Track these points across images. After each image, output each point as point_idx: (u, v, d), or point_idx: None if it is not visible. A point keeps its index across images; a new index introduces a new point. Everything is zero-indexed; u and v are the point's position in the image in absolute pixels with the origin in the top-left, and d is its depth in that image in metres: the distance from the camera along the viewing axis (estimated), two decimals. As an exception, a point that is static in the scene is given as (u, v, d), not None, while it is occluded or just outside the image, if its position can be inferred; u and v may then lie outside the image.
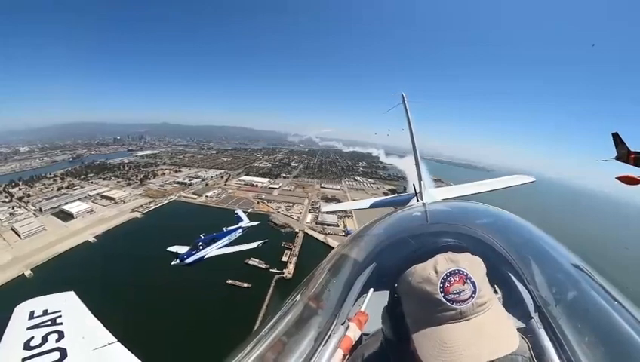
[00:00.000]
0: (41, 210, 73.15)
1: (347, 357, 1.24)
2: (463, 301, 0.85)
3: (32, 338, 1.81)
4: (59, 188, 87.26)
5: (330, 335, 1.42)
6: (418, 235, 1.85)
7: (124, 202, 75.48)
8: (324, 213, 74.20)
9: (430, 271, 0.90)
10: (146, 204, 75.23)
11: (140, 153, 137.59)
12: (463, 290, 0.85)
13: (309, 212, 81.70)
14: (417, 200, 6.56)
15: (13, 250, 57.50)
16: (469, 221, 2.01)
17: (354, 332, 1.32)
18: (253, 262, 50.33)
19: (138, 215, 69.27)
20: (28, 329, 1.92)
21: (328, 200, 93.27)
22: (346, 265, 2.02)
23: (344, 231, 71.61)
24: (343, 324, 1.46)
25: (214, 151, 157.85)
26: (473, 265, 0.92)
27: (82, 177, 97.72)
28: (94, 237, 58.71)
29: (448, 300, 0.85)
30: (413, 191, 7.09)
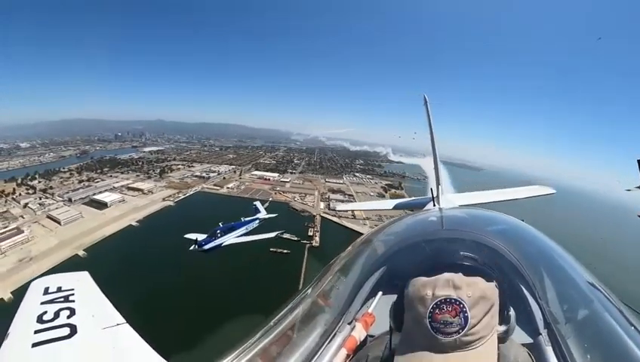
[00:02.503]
0: (70, 200, 77.03)
1: (351, 356, 1.25)
2: (448, 333, 0.83)
3: (45, 312, 1.88)
4: (80, 181, 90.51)
5: (335, 334, 1.45)
6: (431, 241, 1.82)
7: (152, 193, 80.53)
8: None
9: (427, 292, 0.89)
10: (174, 194, 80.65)
11: (147, 149, 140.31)
12: (451, 324, 0.83)
13: (321, 201, 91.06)
14: (434, 205, 6.64)
15: (57, 235, 62.04)
16: (485, 230, 1.97)
17: (359, 333, 1.34)
18: (287, 236, 59.67)
19: (171, 203, 74.87)
20: (42, 303, 1.98)
21: (334, 192, 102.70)
22: (357, 265, 2.02)
23: (352, 215, 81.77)
24: (349, 324, 1.49)
25: (217, 148, 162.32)
26: (477, 296, 0.87)
27: (98, 171, 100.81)
28: (136, 221, 64.26)
29: (433, 328, 0.84)
30: (431, 195, 7.06)
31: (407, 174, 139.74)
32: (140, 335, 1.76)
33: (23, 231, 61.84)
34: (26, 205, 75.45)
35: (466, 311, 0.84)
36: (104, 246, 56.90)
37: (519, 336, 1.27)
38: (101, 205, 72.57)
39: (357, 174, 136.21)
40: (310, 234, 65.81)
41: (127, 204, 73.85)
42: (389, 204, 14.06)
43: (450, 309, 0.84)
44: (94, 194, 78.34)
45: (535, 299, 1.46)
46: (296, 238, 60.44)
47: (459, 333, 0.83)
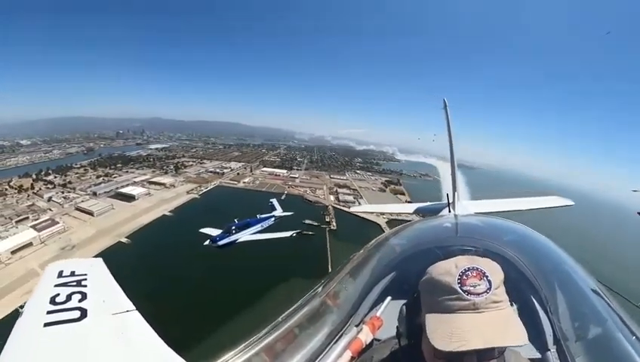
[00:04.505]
0: (95, 193, 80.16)
1: (355, 359, 1.28)
2: (478, 294, 0.90)
3: (58, 294, 1.93)
4: (97, 177, 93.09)
5: (342, 335, 1.46)
6: (444, 247, 1.82)
7: (174, 186, 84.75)
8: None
9: (451, 266, 0.99)
10: (196, 188, 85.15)
11: (152, 147, 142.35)
12: (479, 285, 0.91)
13: (330, 194, 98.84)
14: (449, 211, 6.80)
15: (93, 225, 65.77)
16: (501, 239, 1.97)
17: (366, 336, 1.36)
18: (308, 221, 68.00)
19: (196, 195, 79.73)
20: (55, 286, 2.04)
21: (341, 186, 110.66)
22: (368, 268, 2.03)
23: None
24: (356, 326, 1.51)
25: (221, 146, 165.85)
26: (492, 269, 0.98)
27: (112, 167, 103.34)
28: (169, 211, 68.97)
29: (464, 291, 0.91)
30: (446, 201, 7.20)
31: (404, 172, 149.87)
32: (149, 322, 1.80)
33: (58, 222, 65.07)
34: (49, 199, 78.04)
35: (488, 276, 0.94)
36: (144, 233, 61.50)
37: (527, 351, 1.28)
38: (128, 198, 76.33)
39: (358, 171, 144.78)
40: (327, 220, 74.19)
41: (153, 197, 78.01)
42: (406, 208, 13.82)
43: (474, 274, 0.93)
44: (118, 188, 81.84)
45: (546, 313, 1.45)
46: (316, 223, 68.72)
47: (487, 292, 0.90)
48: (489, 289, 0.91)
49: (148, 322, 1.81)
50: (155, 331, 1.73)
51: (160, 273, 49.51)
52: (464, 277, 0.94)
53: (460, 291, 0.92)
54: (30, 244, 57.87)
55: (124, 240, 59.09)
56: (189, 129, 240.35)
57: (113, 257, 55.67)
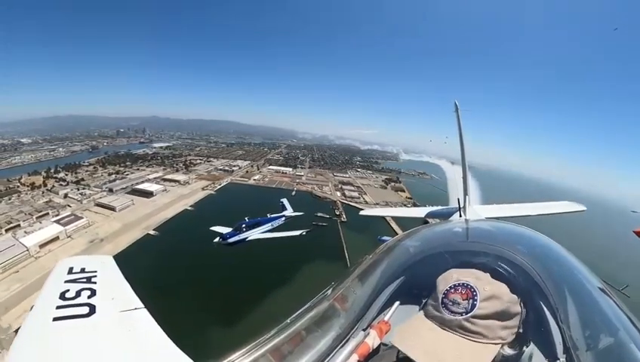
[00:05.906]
0: (111, 190, 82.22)
1: None
2: (453, 312, 0.89)
3: (68, 290, 1.95)
4: (109, 174, 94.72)
5: (349, 339, 1.46)
6: (454, 253, 1.82)
7: (188, 183, 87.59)
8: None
9: (453, 275, 1.01)
10: (210, 184, 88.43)
11: (157, 145, 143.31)
12: (458, 304, 0.89)
13: (336, 191, 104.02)
14: (460, 216, 6.88)
15: (117, 219, 68.19)
16: (511, 245, 1.91)
17: (373, 340, 1.34)
18: (320, 214, 72.93)
19: (212, 192, 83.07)
20: (65, 282, 2.06)
21: (345, 184, 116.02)
22: (377, 272, 2.03)
23: (365, 201, 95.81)
24: (364, 330, 1.50)
25: (224, 145, 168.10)
26: (494, 297, 0.91)
27: (122, 165, 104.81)
28: (190, 206, 72.17)
29: (443, 303, 0.93)
30: (457, 206, 7.18)
31: (402, 170, 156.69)
32: (157, 320, 1.80)
33: (82, 217, 67.21)
34: (66, 195, 79.69)
35: (476, 299, 0.90)
36: (169, 226, 64.52)
37: (535, 359, 1.27)
38: (146, 194, 78.80)
39: (359, 170, 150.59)
40: (337, 213, 79.79)
41: (170, 193, 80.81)
42: (417, 211, 14.08)
43: (463, 292, 0.92)
44: (134, 184, 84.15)
45: (556, 321, 1.40)
46: (328, 216, 74.11)
47: (462, 315, 0.89)
48: (466, 312, 0.89)
49: (158, 320, 1.83)
50: (164, 329, 1.75)
51: (190, 261, 53.38)
52: (452, 289, 0.94)
53: (439, 301, 0.94)
54: (57, 238, 60.05)
55: (152, 232, 62.08)
56: (188, 127, 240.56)
57: (145, 247, 58.84)
